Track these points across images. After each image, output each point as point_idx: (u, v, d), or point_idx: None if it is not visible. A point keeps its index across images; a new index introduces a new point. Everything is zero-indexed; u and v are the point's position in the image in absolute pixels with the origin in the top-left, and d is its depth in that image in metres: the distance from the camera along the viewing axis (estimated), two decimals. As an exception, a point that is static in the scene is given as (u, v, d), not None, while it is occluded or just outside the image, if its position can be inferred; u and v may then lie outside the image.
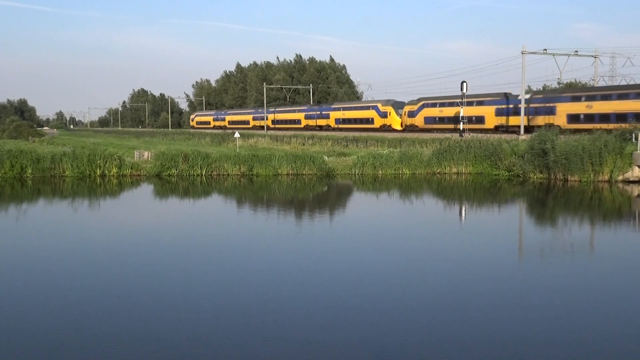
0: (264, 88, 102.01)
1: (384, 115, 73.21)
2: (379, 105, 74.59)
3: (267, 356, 8.51)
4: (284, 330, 9.51)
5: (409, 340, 9.21)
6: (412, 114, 68.62)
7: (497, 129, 57.52)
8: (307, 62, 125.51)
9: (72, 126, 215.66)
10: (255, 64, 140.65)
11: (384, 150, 42.94)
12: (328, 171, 36.89)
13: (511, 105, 56.94)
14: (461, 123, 55.70)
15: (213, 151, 41.04)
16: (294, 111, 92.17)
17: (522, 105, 53.04)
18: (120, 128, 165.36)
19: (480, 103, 60.68)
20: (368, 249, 16.10)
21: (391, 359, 8.45)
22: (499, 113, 58.13)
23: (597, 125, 45.74)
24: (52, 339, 9.14)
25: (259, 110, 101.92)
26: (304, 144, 57.78)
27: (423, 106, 67.43)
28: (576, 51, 58.05)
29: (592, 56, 60.51)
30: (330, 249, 16.16)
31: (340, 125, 78.94)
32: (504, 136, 45.93)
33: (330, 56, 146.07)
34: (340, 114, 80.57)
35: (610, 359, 8.69)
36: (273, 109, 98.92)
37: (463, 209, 25.67)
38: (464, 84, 55.35)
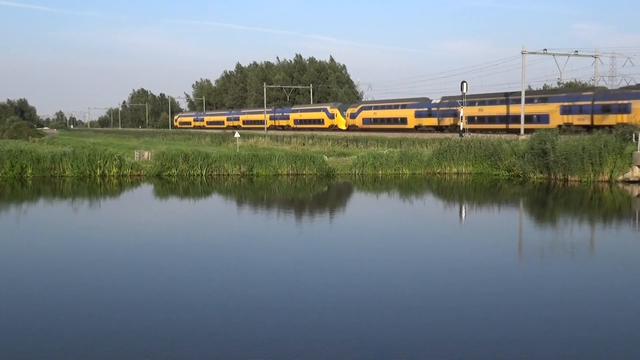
0: (264, 88, 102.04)
1: (331, 116, 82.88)
2: (328, 107, 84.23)
3: (267, 356, 8.51)
4: (284, 330, 9.51)
5: (409, 340, 9.21)
6: (353, 116, 79.02)
7: (416, 128, 67.46)
8: (307, 62, 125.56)
9: (72, 126, 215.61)
10: (255, 64, 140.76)
11: (384, 150, 42.94)
12: (328, 171, 36.89)
13: (426, 109, 68.09)
14: (461, 123, 55.76)
15: (213, 151, 41.04)
16: (261, 113, 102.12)
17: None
18: (120, 128, 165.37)
19: (404, 106, 71.82)
20: (368, 249, 16.11)
21: (391, 359, 8.45)
22: (417, 115, 68.59)
23: (486, 126, 59.18)
24: (52, 339, 9.14)
25: (233, 112, 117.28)
26: (304, 144, 57.79)
27: (362, 109, 78.40)
28: (576, 51, 58.09)
29: (592, 56, 60.53)
30: (330, 249, 16.16)
31: (298, 125, 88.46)
32: (504, 136, 46.04)
33: (330, 56, 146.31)
34: (298, 115, 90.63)
35: (610, 359, 8.70)
36: (244, 111, 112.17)
37: (463, 209, 25.68)
38: (464, 84, 55.40)
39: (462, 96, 56.76)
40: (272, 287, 12.04)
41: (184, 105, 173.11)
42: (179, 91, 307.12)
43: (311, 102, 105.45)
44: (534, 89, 77.12)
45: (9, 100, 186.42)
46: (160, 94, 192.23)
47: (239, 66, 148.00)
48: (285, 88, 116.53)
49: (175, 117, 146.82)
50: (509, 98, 58.96)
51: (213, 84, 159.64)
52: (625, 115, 47.69)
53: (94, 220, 21.57)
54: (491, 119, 60.33)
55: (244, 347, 8.81)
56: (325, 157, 39.73)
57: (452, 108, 64.24)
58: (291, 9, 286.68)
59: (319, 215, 23.57)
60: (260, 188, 31.57)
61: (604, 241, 18.27)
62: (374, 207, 25.74)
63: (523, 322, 10.04)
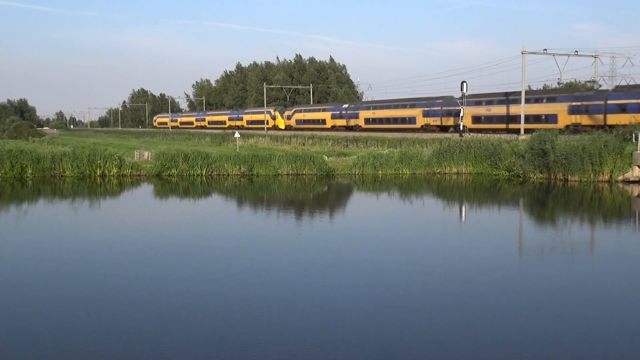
0: (264, 88, 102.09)
1: (273, 118, 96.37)
2: (272, 110, 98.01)
3: (267, 355, 8.51)
4: (283, 330, 9.51)
5: (409, 340, 9.21)
6: (289, 117, 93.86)
7: (332, 127, 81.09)
8: (307, 62, 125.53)
9: (72, 126, 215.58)
10: (255, 64, 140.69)
11: (384, 150, 42.95)
12: (328, 171, 36.89)
13: (338, 112, 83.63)
14: (461, 123, 55.77)
15: (213, 151, 41.05)
16: (222, 114, 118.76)
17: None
18: (120, 128, 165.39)
19: (324, 110, 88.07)
20: (368, 249, 16.11)
21: (391, 358, 8.45)
22: (333, 117, 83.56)
23: (381, 126, 72.73)
24: (52, 339, 9.14)
25: (200, 113, 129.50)
26: (304, 144, 57.81)
27: (295, 112, 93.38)
28: (576, 51, 58.08)
29: (592, 56, 60.52)
30: (330, 249, 16.16)
31: (249, 125, 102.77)
32: (504, 136, 46.06)
33: (330, 56, 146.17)
34: (249, 117, 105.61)
35: (610, 359, 8.70)
36: (210, 112, 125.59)
37: (463, 209, 25.68)
38: (464, 84, 55.40)
39: (462, 96, 56.77)
40: (272, 287, 12.04)
41: (184, 105, 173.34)
42: (179, 91, 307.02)
43: (311, 102, 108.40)
44: (534, 89, 77.06)
45: (9, 100, 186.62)
46: (160, 94, 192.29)
47: (239, 66, 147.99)
48: (285, 88, 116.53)
49: (154, 118, 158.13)
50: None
51: (213, 84, 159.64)
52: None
53: (93, 220, 21.57)
54: (383, 120, 72.13)
55: (243, 347, 8.81)
56: (325, 157, 39.73)
57: (355, 111, 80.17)
58: (291, 9, 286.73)
59: (318, 215, 23.57)
60: (260, 188, 31.57)
61: (604, 241, 18.27)
62: (374, 207, 25.74)
63: (523, 322, 10.04)
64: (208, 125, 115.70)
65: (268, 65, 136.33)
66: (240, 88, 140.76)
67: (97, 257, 14.82)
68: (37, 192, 29.57)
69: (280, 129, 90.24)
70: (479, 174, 36.83)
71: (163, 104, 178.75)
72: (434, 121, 66.03)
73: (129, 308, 10.63)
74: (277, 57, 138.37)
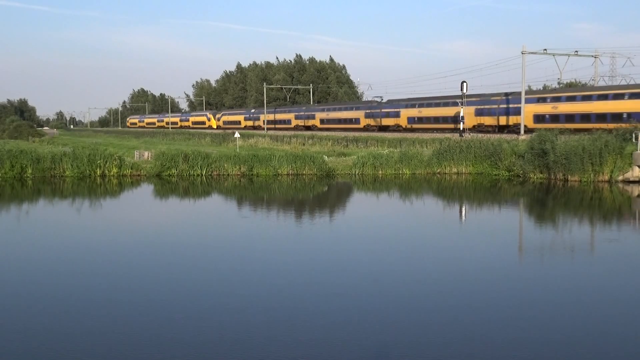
0: (264, 88, 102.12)
1: (209, 119, 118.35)
2: (208, 113, 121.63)
3: (266, 355, 8.51)
4: (283, 330, 9.52)
5: (409, 340, 9.21)
6: (218, 119, 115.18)
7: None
8: (307, 62, 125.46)
9: (72, 126, 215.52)
10: (255, 64, 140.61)
11: (384, 150, 42.95)
12: (328, 171, 36.89)
13: (249, 114, 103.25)
14: (461, 123, 55.74)
15: (213, 151, 41.06)
16: (175, 116, 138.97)
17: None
18: (120, 128, 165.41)
19: (240, 113, 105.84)
20: (367, 249, 16.10)
21: (391, 359, 8.45)
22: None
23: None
24: (52, 339, 9.14)
25: (166, 115, 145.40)
26: (304, 144, 57.82)
27: (223, 114, 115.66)
28: (576, 51, 58.08)
29: (592, 56, 60.52)
30: (330, 249, 16.16)
31: (193, 125, 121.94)
32: (504, 136, 46.07)
33: (330, 56, 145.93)
34: (194, 119, 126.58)
35: (610, 359, 8.70)
36: (168, 115, 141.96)
37: (463, 209, 25.68)
38: (464, 84, 55.37)
39: (462, 96, 56.73)
40: (271, 287, 12.04)
41: (183, 105, 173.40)
42: (179, 91, 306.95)
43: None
44: (534, 89, 77.09)
45: (9, 100, 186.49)
46: (160, 94, 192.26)
47: (239, 66, 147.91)
48: (285, 88, 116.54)
49: (127, 119, 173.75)
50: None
51: (213, 84, 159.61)
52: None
53: (93, 220, 21.57)
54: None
55: (243, 347, 8.81)
56: (325, 157, 39.74)
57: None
58: (291, 9, 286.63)
59: (318, 215, 23.58)
60: (260, 188, 31.57)
61: (603, 241, 18.27)
62: (373, 208, 25.75)
63: (523, 322, 10.04)
64: (165, 125, 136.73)
65: (268, 65, 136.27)
66: (240, 88, 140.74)
67: (97, 257, 14.82)
68: (37, 192, 29.57)
69: (214, 128, 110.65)
70: (479, 174, 36.82)
71: (163, 103, 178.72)
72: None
73: (128, 307, 10.63)
74: (277, 57, 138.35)
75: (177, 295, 11.39)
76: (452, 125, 60.98)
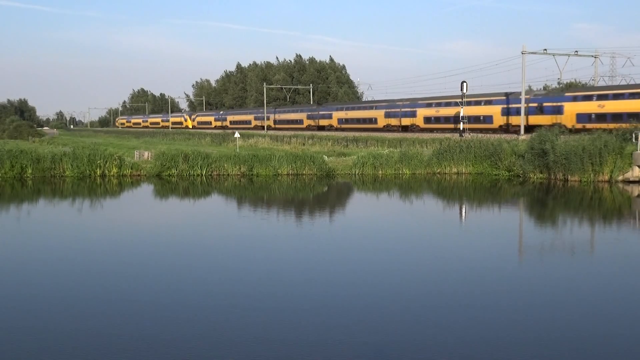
0: (264, 88, 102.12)
1: (185, 120, 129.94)
2: (185, 115, 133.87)
3: (266, 355, 8.51)
4: (283, 330, 9.52)
5: (409, 340, 9.21)
6: (193, 120, 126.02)
7: (215, 127, 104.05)
8: (307, 62, 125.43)
9: (72, 126, 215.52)
10: (255, 64, 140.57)
11: (384, 150, 42.94)
12: (328, 171, 36.89)
13: (218, 116, 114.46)
14: (461, 123, 55.73)
15: (213, 151, 41.06)
16: (156, 117, 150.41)
17: (523, 106, 53.12)
18: (120, 128, 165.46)
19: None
20: (367, 249, 16.11)
21: (391, 358, 8.45)
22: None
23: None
24: (52, 339, 9.14)
25: (144, 116, 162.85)
26: (304, 144, 57.82)
27: (197, 115, 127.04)
28: (576, 51, 58.08)
29: (592, 56, 60.52)
30: (330, 249, 16.17)
31: (173, 126, 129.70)
32: (504, 136, 46.07)
33: (330, 56, 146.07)
34: (173, 119, 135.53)
35: (610, 358, 8.70)
36: (151, 115, 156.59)
37: (463, 209, 25.68)
38: (464, 84, 55.33)
39: (462, 96, 56.70)
40: (272, 287, 12.04)
41: (183, 105, 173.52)
42: (179, 91, 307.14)
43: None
44: (534, 89, 77.12)
45: (9, 100, 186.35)
46: (160, 94, 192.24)
47: (239, 66, 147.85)
48: (285, 88, 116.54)
49: (117, 119, 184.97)
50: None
51: (213, 84, 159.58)
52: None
53: (93, 220, 21.57)
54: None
55: (243, 347, 8.81)
56: (325, 157, 39.73)
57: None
58: (291, 9, 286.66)
59: (319, 215, 23.58)
60: (260, 188, 31.57)
61: (603, 241, 18.27)
62: (374, 208, 25.75)
63: (523, 322, 10.05)
64: (149, 125, 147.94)
65: (268, 65, 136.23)
66: (240, 88, 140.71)
67: (97, 257, 14.82)
68: (37, 192, 29.57)
69: (189, 128, 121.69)
70: (479, 174, 36.83)
71: (163, 103, 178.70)
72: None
73: (129, 307, 10.63)
74: (277, 57, 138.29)
75: (177, 295, 11.39)
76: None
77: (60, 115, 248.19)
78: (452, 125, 60.96)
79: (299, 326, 9.76)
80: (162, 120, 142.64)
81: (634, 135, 33.01)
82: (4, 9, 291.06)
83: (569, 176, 32.53)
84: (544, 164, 33.43)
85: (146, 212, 24.11)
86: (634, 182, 31.68)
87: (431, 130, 62.07)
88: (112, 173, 35.10)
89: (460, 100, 58.11)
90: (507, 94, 58.14)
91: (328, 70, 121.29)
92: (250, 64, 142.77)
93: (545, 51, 56.19)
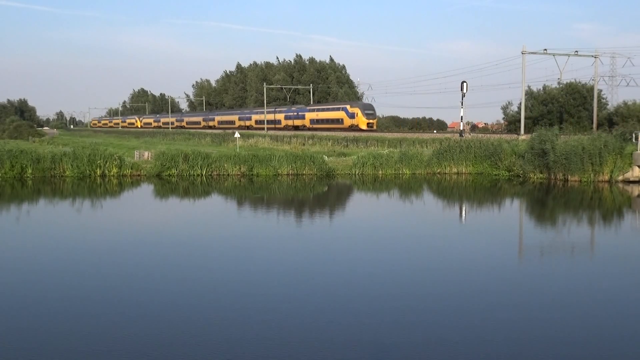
0: (264, 88, 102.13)
1: (136, 121, 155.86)
2: (136, 117, 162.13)
3: (266, 355, 8.51)
4: (284, 330, 9.52)
5: (409, 339, 9.21)
6: (141, 121, 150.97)
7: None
8: (307, 62, 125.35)
9: (72, 126, 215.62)
10: (255, 64, 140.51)
11: (384, 150, 42.95)
12: (328, 171, 36.90)
13: (176, 117, 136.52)
14: (461, 123, 55.77)
15: (213, 151, 41.06)
16: (132, 118, 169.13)
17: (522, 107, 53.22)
18: (120, 128, 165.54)
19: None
20: (368, 249, 16.11)
21: (391, 359, 8.45)
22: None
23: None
24: (52, 339, 9.14)
25: (116, 117, 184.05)
26: (304, 144, 57.82)
27: (143, 117, 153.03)
28: (576, 51, 58.12)
29: (592, 56, 60.53)
30: (330, 249, 16.16)
31: (128, 127, 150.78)
32: (504, 136, 46.14)
33: (330, 56, 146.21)
34: (131, 121, 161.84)
35: (610, 358, 8.70)
36: (116, 117, 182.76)
37: (463, 209, 25.68)
38: (464, 84, 55.35)
39: (462, 96, 56.75)
40: (272, 287, 12.04)
41: (184, 105, 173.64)
42: (179, 91, 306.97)
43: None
44: (534, 89, 77.19)
45: (9, 100, 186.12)
46: (161, 94, 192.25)
47: (239, 66, 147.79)
48: (285, 88, 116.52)
49: (91, 119, 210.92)
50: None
51: (213, 84, 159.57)
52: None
53: (93, 220, 21.57)
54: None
55: (243, 347, 8.81)
56: (325, 157, 39.74)
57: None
58: (291, 9, 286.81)
59: (319, 215, 23.58)
60: (261, 188, 31.57)
61: (603, 241, 18.28)
62: (374, 208, 25.75)
63: (523, 322, 10.05)
64: (113, 125, 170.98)
65: (268, 65, 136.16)
66: (240, 88, 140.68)
67: (97, 257, 14.82)
68: (37, 192, 29.56)
69: (138, 128, 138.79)
70: (479, 174, 36.83)
71: (163, 104, 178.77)
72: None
73: (129, 307, 10.63)
74: (277, 57, 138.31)
75: (177, 295, 11.38)
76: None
77: (60, 115, 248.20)
78: (326, 125, 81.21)
79: (299, 326, 9.76)
80: (122, 121, 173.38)
81: (634, 135, 33.03)
82: (4, 9, 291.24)
83: (569, 176, 32.55)
84: (544, 164, 33.44)
85: (146, 212, 24.11)
86: (634, 182, 31.69)
87: (315, 129, 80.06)
88: (112, 173, 35.10)
89: (343, 107, 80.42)
90: (344, 105, 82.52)
91: (328, 70, 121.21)
92: (250, 64, 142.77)
93: (545, 51, 56.22)
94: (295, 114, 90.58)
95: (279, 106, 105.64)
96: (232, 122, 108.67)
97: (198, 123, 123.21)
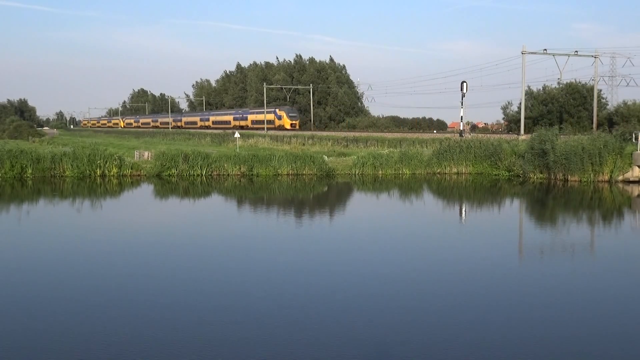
0: (264, 88, 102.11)
1: (122, 121, 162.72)
2: (120, 117, 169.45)
3: (266, 355, 8.51)
4: (283, 330, 9.52)
5: (409, 339, 9.21)
6: (124, 120, 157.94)
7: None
8: (307, 62, 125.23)
9: (72, 126, 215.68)
10: (255, 64, 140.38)
11: (384, 150, 42.94)
12: (328, 171, 36.90)
13: (153, 118, 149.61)
14: (461, 123, 55.77)
15: (213, 151, 41.05)
16: (116, 118, 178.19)
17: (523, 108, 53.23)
18: (120, 128, 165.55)
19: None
20: (368, 249, 16.11)
21: (391, 359, 8.45)
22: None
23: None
24: (52, 339, 9.14)
25: (105, 117, 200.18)
26: (304, 144, 57.83)
27: (126, 118, 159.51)
28: (576, 51, 58.12)
29: (592, 56, 60.52)
30: (330, 249, 16.16)
31: (110, 128, 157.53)
32: (504, 136, 46.16)
33: (330, 56, 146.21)
34: (114, 121, 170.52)
35: (610, 358, 8.70)
36: (104, 117, 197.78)
37: (463, 209, 25.68)
38: (464, 84, 55.32)
39: (462, 96, 56.72)
40: (272, 287, 12.04)
41: (184, 105, 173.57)
42: (179, 91, 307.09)
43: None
44: (534, 89, 77.20)
45: (9, 100, 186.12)
46: (161, 94, 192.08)
47: (239, 66, 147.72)
48: (285, 88, 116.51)
49: (82, 120, 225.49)
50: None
51: (213, 84, 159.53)
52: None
53: (93, 220, 21.57)
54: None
55: (243, 346, 8.81)
56: (325, 157, 39.73)
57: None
58: (291, 9, 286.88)
59: (319, 215, 23.58)
60: (260, 188, 31.57)
61: (603, 241, 18.28)
62: (374, 208, 25.74)
63: (523, 322, 10.05)
64: (100, 125, 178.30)
65: (268, 65, 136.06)
66: (240, 88, 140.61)
67: (97, 257, 14.82)
68: (37, 192, 29.56)
69: (121, 127, 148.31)
70: (479, 174, 36.84)
71: (163, 104, 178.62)
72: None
73: (129, 307, 10.63)
74: (277, 57, 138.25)
75: (177, 295, 11.39)
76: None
77: (60, 115, 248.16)
78: (263, 125, 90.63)
79: (299, 325, 9.76)
80: (107, 121, 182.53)
81: (634, 135, 33.04)
82: (4, 9, 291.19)
83: (569, 176, 32.55)
84: (544, 164, 33.45)
85: (146, 212, 24.11)
86: (634, 182, 31.69)
87: (256, 129, 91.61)
88: (112, 173, 35.10)
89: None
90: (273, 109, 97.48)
91: (328, 71, 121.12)
92: (250, 64, 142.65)
93: (545, 51, 56.23)
94: (241, 115, 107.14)
95: (240, 108, 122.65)
96: (228, 122, 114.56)
97: (195, 123, 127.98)
